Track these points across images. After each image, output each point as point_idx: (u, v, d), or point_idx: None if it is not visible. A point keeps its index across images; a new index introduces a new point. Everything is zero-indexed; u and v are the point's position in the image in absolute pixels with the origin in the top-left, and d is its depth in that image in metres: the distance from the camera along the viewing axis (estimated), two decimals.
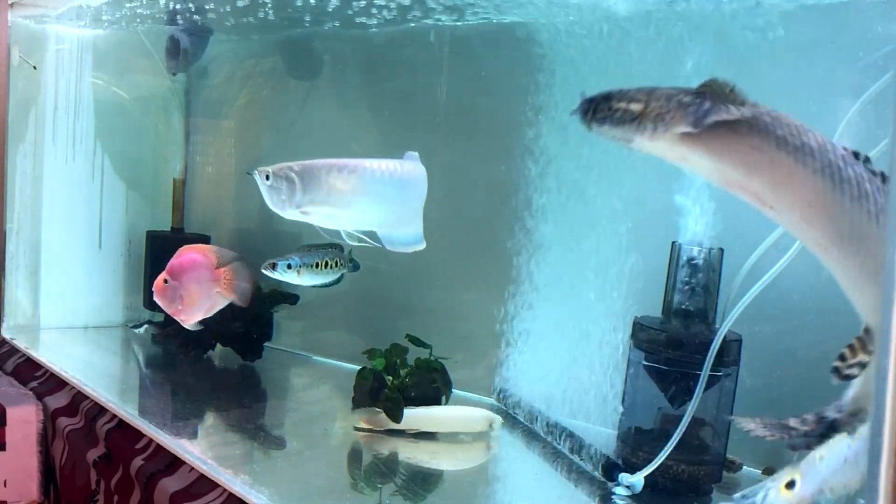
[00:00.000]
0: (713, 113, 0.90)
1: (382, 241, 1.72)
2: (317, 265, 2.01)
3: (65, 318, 2.97)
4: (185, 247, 2.07)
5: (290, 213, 1.65)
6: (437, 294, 2.50)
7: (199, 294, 1.99)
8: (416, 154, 1.75)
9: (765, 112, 0.95)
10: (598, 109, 0.95)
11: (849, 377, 0.97)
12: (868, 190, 0.92)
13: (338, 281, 2.06)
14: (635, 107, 0.93)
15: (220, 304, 2.09)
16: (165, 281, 2.01)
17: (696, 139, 0.92)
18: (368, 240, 1.72)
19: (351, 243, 1.75)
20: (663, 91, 0.94)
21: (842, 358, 0.97)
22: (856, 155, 0.99)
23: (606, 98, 0.95)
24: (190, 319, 2.01)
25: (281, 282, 2.68)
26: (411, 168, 1.72)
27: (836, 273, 0.97)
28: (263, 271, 2.02)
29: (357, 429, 2.05)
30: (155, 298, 2.04)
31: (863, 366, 0.96)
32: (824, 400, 1.68)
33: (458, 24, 2.35)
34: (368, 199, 1.66)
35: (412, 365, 2.12)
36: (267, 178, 1.65)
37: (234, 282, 2.04)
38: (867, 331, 0.95)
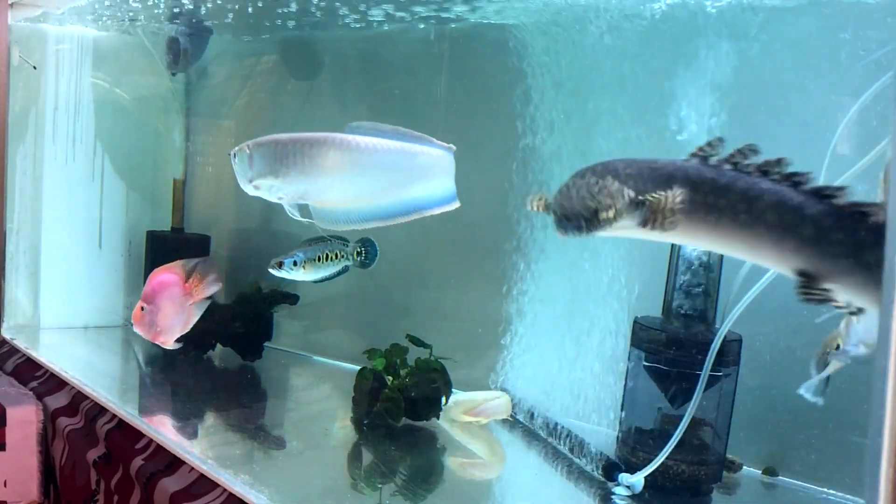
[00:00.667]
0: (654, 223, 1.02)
1: (313, 216, 1.61)
2: (320, 258, 2.01)
3: (65, 318, 2.97)
4: (155, 270, 2.06)
5: (247, 189, 1.63)
6: (437, 294, 2.50)
7: (175, 313, 1.99)
8: (360, 125, 1.58)
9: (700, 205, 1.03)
10: (572, 220, 1.03)
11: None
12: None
13: (344, 271, 2.06)
14: (605, 214, 1.02)
15: (198, 312, 2.08)
16: (142, 308, 1.99)
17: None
18: (297, 215, 1.65)
19: (295, 218, 1.67)
20: (614, 187, 1.03)
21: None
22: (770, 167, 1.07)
23: (592, 216, 1.02)
24: (169, 340, 2.00)
25: (282, 281, 2.69)
26: (349, 142, 1.56)
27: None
28: (270, 270, 2.01)
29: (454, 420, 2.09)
30: (135, 329, 2.02)
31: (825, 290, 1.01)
32: (824, 400, 1.69)
33: (459, 25, 2.35)
34: (309, 173, 1.57)
35: (412, 365, 2.12)
36: (233, 156, 1.66)
37: (204, 286, 2.04)
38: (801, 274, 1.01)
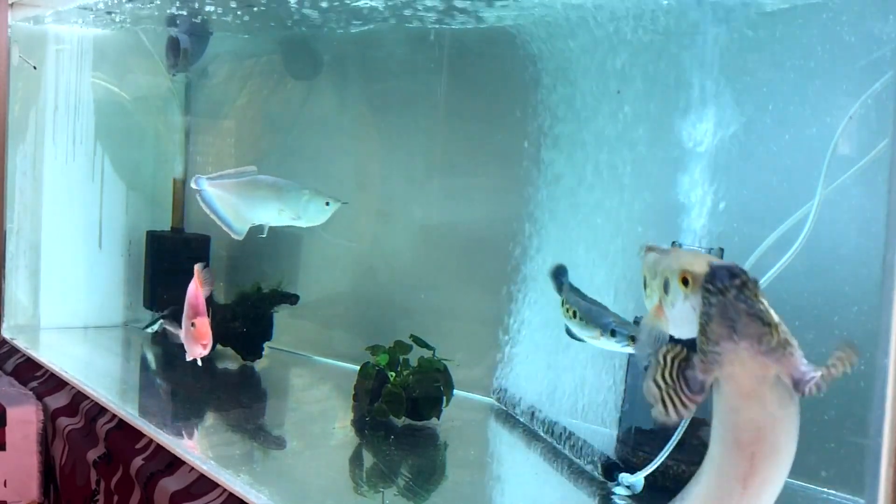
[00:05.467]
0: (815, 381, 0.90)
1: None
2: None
3: (65, 318, 2.97)
4: (191, 286, 1.98)
5: None
6: (437, 295, 2.50)
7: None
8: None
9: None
10: (748, 287, 0.87)
11: None
12: None
13: None
14: (774, 316, 0.89)
15: None
16: (193, 324, 1.93)
17: (780, 389, 0.90)
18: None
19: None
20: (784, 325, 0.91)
21: None
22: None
23: (757, 283, 0.88)
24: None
25: (281, 281, 2.70)
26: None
27: None
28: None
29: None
30: (204, 347, 1.94)
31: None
32: (823, 400, 1.69)
33: (459, 26, 2.35)
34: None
35: (415, 365, 2.12)
36: None
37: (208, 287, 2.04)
38: None
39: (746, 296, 0.85)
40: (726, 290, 0.86)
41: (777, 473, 0.91)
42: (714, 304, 0.87)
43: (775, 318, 0.86)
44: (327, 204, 2.11)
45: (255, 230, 2.18)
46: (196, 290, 1.95)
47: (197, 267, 1.99)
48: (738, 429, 0.90)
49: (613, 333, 1.62)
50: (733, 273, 0.86)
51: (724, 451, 0.92)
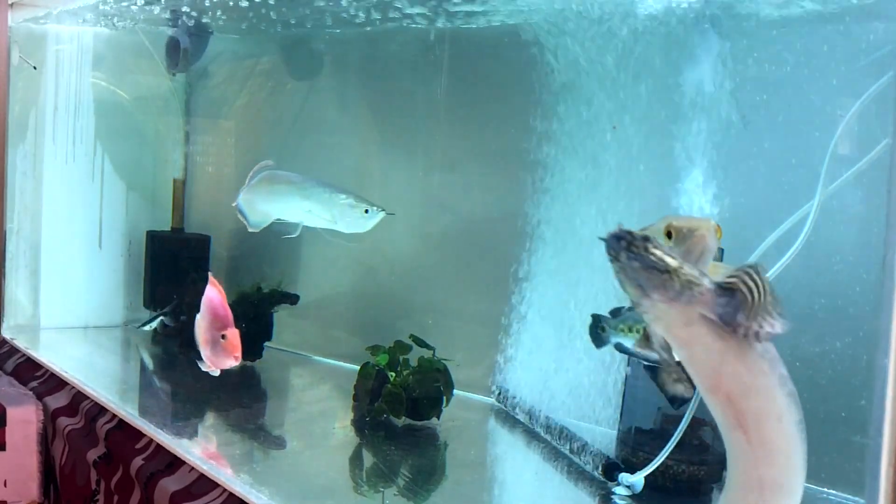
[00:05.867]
0: (741, 316, 0.88)
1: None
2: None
3: (65, 318, 2.97)
4: (216, 297, 1.93)
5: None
6: (438, 295, 2.50)
7: None
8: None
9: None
10: (635, 245, 0.88)
11: None
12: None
13: None
14: (671, 261, 0.88)
15: None
16: (223, 336, 1.88)
17: (710, 327, 0.89)
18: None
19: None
20: (690, 266, 0.90)
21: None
22: None
23: (646, 238, 0.89)
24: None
25: (281, 281, 2.70)
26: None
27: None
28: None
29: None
30: (236, 360, 1.91)
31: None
32: (823, 400, 1.69)
33: (460, 26, 2.35)
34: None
35: (415, 365, 2.12)
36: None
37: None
38: None
39: (636, 253, 0.88)
40: (618, 254, 0.90)
41: (766, 405, 0.90)
42: (617, 270, 0.91)
43: (672, 263, 0.88)
44: (366, 211, 2.05)
45: (285, 228, 2.15)
46: (222, 300, 1.91)
47: (211, 274, 1.96)
48: (701, 377, 0.92)
49: None
50: (618, 237, 0.90)
51: (710, 405, 0.93)
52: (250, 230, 2.17)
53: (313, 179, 2.14)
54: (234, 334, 1.88)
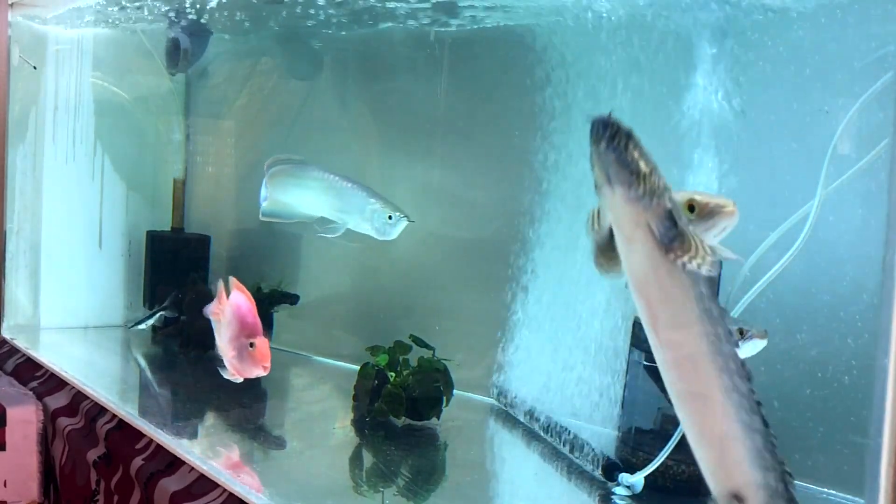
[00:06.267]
0: (676, 246, 0.93)
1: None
2: None
3: (65, 318, 2.97)
4: (237, 303, 1.88)
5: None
6: (437, 295, 2.50)
7: None
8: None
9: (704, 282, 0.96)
10: (618, 137, 0.92)
11: None
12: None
13: None
14: (644, 166, 0.92)
15: None
16: (252, 344, 1.83)
17: (652, 236, 0.93)
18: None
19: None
20: (662, 177, 0.94)
21: None
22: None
23: (630, 134, 0.93)
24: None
25: (281, 281, 2.70)
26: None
27: (682, 423, 0.99)
28: None
29: None
30: (265, 369, 1.85)
31: None
32: (823, 399, 1.69)
33: (459, 27, 2.35)
34: None
35: (415, 365, 2.12)
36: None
37: None
38: (713, 498, 1.01)
39: (616, 145, 0.91)
40: (600, 139, 0.92)
41: (679, 314, 0.94)
42: (592, 153, 0.94)
43: (644, 169, 0.92)
44: (389, 218, 2.05)
45: (324, 228, 2.13)
46: (250, 307, 1.86)
47: (236, 280, 1.91)
48: (631, 273, 0.97)
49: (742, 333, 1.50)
50: (606, 124, 0.92)
51: (635, 301, 0.98)
52: (262, 218, 2.17)
53: (345, 179, 2.13)
54: (263, 343, 1.83)
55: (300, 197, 2.17)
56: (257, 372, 1.84)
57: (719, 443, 0.96)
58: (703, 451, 0.98)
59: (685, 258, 0.92)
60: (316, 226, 2.18)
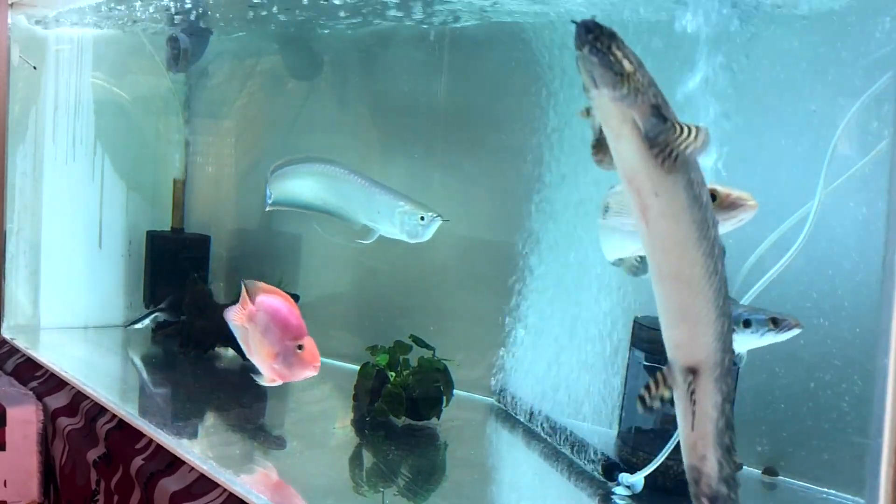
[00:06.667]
0: (662, 140, 0.95)
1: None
2: None
3: (65, 318, 2.97)
4: (274, 307, 1.81)
5: None
6: (437, 294, 2.50)
7: None
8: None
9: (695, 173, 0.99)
10: (601, 40, 0.94)
11: (652, 409, 1.07)
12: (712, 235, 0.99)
13: None
14: (627, 66, 0.94)
15: None
16: (300, 347, 1.76)
17: (639, 131, 0.96)
18: None
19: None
20: (647, 73, 0.97)
21: (647, 389, 1.07)
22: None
23: (613, 36, 0.95)
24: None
25: (281, 280, 2.69)
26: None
27: (659, 303, 1.04)
28: None
29: None
30: (315, 369, 1.78)
31: (663, 400, 1.06)
32: (822, 399, 1.69)
33: (458, 24, 2.35)
34: None
35: (415, 365, 2.12)
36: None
37: None
38: (669, 366, 1.05)
39: (599, 48, 0.94)
40: (583, 43, 0.95)
41: (667, 204, 0.97)
42: (577, 58, 0.96)
43: (628, 68, 0.94)
44: (422, 219, 1.99)
45: (359, 233, 2.11)
46: (290, 308, 1.79)
47: (263, 284, 1.84)
48: (621, 167, 1.00)
49: (748, 324, 1.43)
50: (588, 28, 0.95)
51: (625, 193, 1.01)
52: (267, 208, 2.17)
53: (372, 182, 2.09)
54: (311, 343, 1.76)
55: (278, 181, 2.17)
56: (308, 374, 1.76)
57: (694, 322, 1.00)
58: (676, 329, 1.02)
59: (675, 144, 0.95)
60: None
